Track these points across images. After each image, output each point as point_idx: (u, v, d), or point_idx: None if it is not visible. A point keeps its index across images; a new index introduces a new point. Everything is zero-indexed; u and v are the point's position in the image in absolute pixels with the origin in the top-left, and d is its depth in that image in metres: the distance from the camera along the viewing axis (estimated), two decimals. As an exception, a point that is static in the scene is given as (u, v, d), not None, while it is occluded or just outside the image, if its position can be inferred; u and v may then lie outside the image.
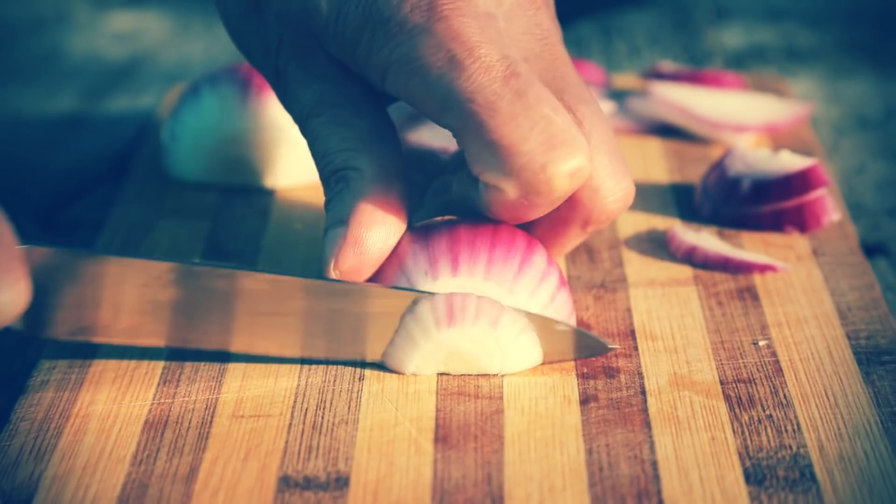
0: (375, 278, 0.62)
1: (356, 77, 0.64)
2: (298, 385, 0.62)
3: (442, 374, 0.63)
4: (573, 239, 0.65)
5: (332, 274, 0.62)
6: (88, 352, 0.65)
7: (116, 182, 0.87)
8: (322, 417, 0.60)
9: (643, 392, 0.62)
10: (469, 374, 0.63)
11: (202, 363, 0.64)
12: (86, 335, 0.62)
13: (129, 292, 0.61)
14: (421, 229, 0.63)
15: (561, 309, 0.63)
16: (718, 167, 0.77)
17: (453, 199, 0.67)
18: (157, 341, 0.62)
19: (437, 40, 0.59)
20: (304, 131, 0.65)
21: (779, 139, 0.84)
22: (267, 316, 0.62)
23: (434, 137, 0.83)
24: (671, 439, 0.58)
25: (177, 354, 0.64)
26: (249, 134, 0.78)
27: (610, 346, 0.63)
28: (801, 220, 0.74)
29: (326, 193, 0.63)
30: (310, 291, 0.61)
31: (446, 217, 0.63)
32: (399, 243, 0.62)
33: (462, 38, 0.59)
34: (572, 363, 0.63)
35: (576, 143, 0.59)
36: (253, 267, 0.71)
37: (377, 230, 0.62)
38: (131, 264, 0.61)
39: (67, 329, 0.62)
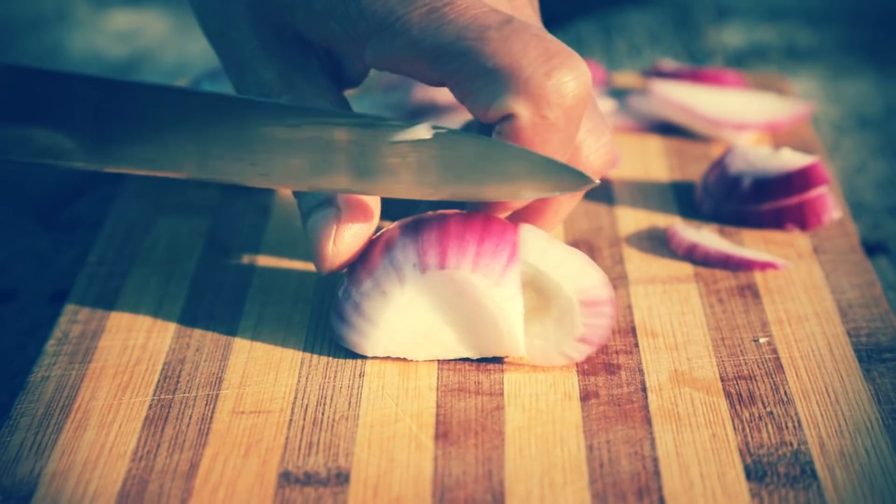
0: (363, 264, 0.62)
1: (314, 58, 0.64)
2: (299, 381, 0.62)
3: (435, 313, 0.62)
4: (564, 202, 0.65)
5: (329, 252, 0.62)
6: (88, 348, 0.65)
7: (116, 179, 0.87)
8: (322, 413, 0.60)
9: (644, 389, 0.62)
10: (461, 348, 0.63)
11: (203, 359, 0.64)
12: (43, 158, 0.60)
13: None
14: (411, 222, 0.63)
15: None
16: (719, 165, 0.77)
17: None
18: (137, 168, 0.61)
19: None
20: None
21: (779, 137, 0.84)
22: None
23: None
24: (672, 436, 0.58)
25: (178, 351, 0.64)
26: (250, 131, 0.78)
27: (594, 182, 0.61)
28: (801, 218, 0.74)
29: None
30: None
31: (438, 211, 0.63)
32: (389, 235, 0.62)
33: None
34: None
35: (570, 52, 0.59)
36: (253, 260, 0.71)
37: (366, 206, 0.62)
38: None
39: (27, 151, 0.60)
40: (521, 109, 0.59)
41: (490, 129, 0.67)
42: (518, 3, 0.64)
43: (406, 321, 0.62)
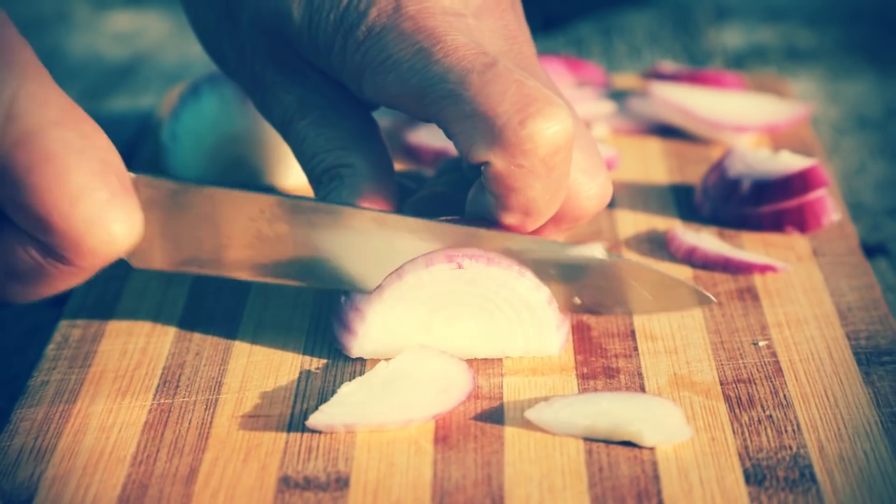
0: None
1: (335, 79, 0.65)
2: (298, 385, 0.62)
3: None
4: (550, 237, 0.65)
5: None
6: (88, 352, 0.65)
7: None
8: (322, 418, 0.60)
9: (643, 392, 0.62)
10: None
11: (203, 363, 0.64)
12: (189, 267, 0.62)
13: (235, 225, 0.61)
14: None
15: (558, 309, 0.63)
16: (718, 167, 0.77)
17: (459, 180, 0.67)
18: (263, 277, 0.63)
19: (405, 36, 0.60)
20: (288, 134, 0.65)
21: (779, 139, 0.84)
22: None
23: (433, 138, 0.83)
24: (671, 440, 0.58)
25: (177, 355, 0.64)
26: (250, 134, 0.78)
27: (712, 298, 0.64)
28: (801, 221, 0.74)
29: (318, 192, 0.64)
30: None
31: (444, 218, 0.64)
32: None
33: (428, 31, 0.60)
34: (572, 364, 0.63)
35: (550, 98, 0.59)
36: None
37: None
38: (238, 197, 0.61)
39: (171, 261, 0.62)
40: (495, 158, 0.59)
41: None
42: (518, 40, 0.64)
43: (404, 321, 0.62)
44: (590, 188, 0.63)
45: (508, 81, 0.59)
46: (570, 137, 0.59)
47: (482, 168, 0.60)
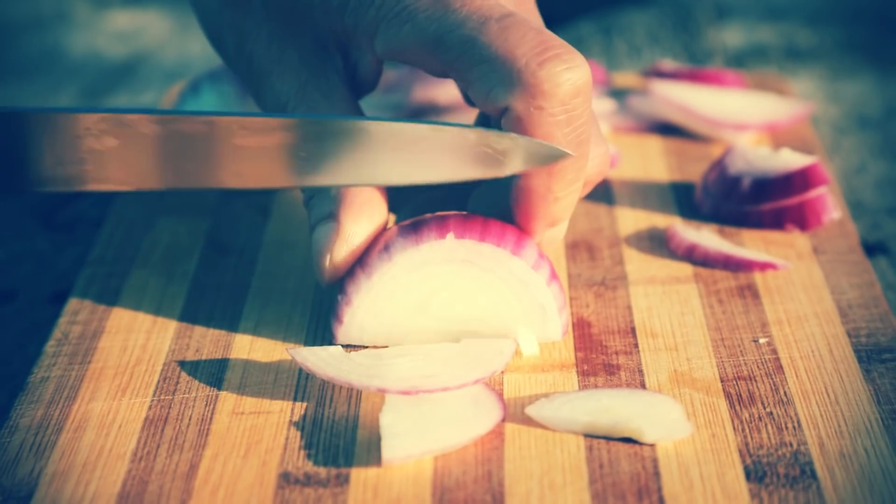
0: (361, 266, 0.63)
1: (332, 71, 0.64)
2: (298, 381, 0.62)
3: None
4: (549, 202, 0.65)
5: (326, 265, 0.63)
6: (88, 349, 0.65)
7: (116, 180, 0.87)
8: (322, 414, 0.60)
9: (644, 389, 0.62)
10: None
11: (203, 360, 0.64)
12: (56, 186, 0.60)
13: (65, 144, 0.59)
14: (410, 224, 0.63)
15: (553, 300, 0.63)
16: (719, 165, 0.77)
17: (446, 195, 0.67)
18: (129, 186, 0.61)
19: None
20: None
21: (779, 137, 0.84)
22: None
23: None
24: (671, 436, 0.58)
25: (177, 351, 0.64)
26: (250, 131, 0.78)
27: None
28: (801, 219, 0.74)
29: (305, 189, 0.64)
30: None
31: (437, 213, 0.64)
32: (387, 236, 0.63)
33: None
34: (573, 360, 0.63)
35: (568, 47, 0.59)
36: (252, 266, 0.71)
37: (365, 223, 0.63)
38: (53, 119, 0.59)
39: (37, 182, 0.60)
40: (515, 101, 0.59)
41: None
42: (527, 6, 0.64)
43: (392, 302, 0.62)
44: (593, 156, 0.63)
45: (526, 28, 0.59)
46: (589, 83, 0.59)
47: (502, 119, 0.60)
